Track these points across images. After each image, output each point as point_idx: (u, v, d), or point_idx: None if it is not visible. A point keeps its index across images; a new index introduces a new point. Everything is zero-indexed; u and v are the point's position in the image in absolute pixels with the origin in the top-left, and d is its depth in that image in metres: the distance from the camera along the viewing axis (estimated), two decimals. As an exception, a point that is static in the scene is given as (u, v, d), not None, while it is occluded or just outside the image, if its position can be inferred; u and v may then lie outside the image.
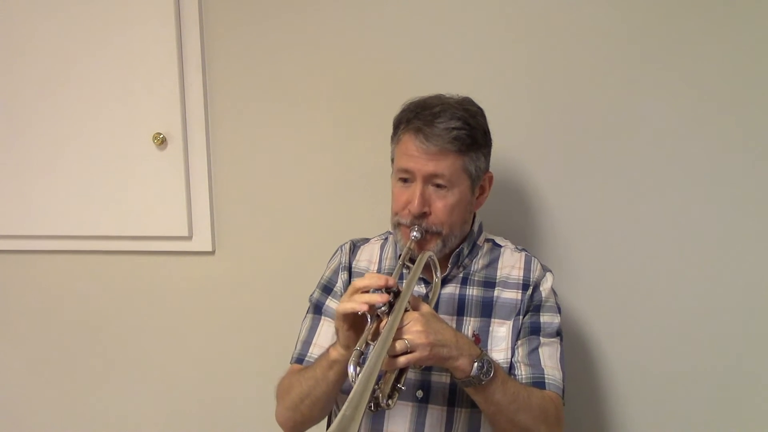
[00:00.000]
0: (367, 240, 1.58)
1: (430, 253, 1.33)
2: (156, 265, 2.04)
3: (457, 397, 1.36)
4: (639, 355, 1.77)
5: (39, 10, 1.95)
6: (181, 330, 2.06)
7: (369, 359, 1.03)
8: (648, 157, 1.70)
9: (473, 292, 1.43)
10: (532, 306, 1.41)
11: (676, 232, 1.71)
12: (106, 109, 1.96)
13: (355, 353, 1.08)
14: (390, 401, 1.12)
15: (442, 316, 1.38)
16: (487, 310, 1.41)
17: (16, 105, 2.01)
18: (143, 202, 1.98)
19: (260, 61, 1.89)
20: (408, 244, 1.35)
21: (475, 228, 1.49)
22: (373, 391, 1.04)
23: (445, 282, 1.44)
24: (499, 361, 1.35)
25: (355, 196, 1.87)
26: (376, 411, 1.10)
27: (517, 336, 1.39)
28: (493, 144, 1.43)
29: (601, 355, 1.79)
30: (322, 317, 1.48)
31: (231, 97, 1.92)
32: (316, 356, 1.40)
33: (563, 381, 1.38)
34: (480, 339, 1.39)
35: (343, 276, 1.50)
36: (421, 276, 1.39)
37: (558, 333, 1.41)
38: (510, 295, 1.42)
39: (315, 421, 1.39)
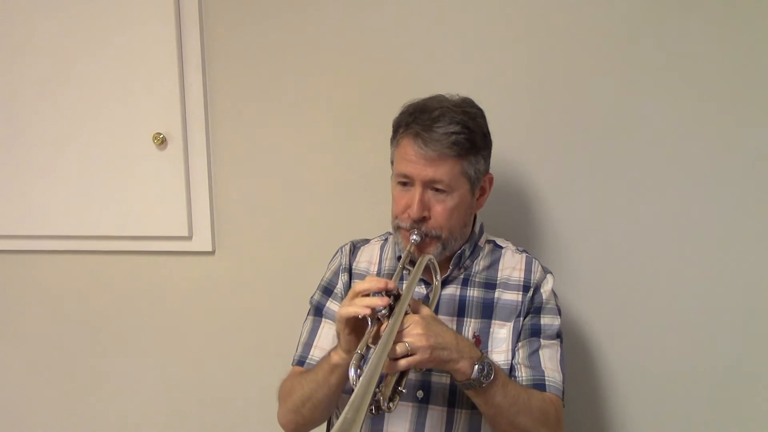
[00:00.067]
0: (367, 241, 1.58)
1: (430, 257, 1.33)
2: (156, 265, 2.04)
3: (457, 397, 1.36)
4: (639, 355, 1.77)
5: (39, 10, 1.95)
6: (181, 330, 2.06)
7: (370, 362, 1.03)
8: (648, 157, 1.70)
9: (474, 293, 1.43)
10: (533, 308, 1.41)
11: (676, 232, 1.71)
12: (106, 109, 1.95)
13: (356, 356, 1.08)
14: (391, 404, 1.13)
15: (442, 316, 1.39)
16: (487, 311, 1.41)
17: (16, 105, 2.01)
18: (143, 202, 1.98)
19: (260, 61, 1.88)
20: (408, 248, 1.35)
21: (476, 229, 1.49)
22: (374, 394, 1.04)
23: (445, 283, 1.44)
24: (500, 362, 1.35)
25: (355, 196, 1.87)
26: (377, 414, 1.10)
27: (517, 338, 1.39)
28: (493, 144, 1.43)
29: (601, 355, 1.79)
30: (323, 319, 1.48)
31: (231, 97, 1.92)
32: (317, 358, 1.40)
33: (563, 383, 1.38)
34: (480, 340, 1.39)
35: (343, 277, 1.50)
36: (421, 277, 1.39)
37: (558, 335, 1.42)
38: (510, 297, 1.42)
39: (317, 423, 1.39)
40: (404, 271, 1.36)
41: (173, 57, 1.89)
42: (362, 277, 1.49)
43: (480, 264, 1.47)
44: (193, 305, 2.04)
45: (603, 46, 1.69)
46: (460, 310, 1.42)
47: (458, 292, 1.43)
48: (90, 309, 2.11)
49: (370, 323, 1.15)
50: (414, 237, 1.34)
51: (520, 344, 1.39)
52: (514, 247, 1.51)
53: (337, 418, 1.43)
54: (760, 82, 1.62)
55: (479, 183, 1.41)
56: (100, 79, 1.94)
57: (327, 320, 1.47)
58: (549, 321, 1.41)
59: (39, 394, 2.18)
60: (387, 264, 1.50)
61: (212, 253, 2.00)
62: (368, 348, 1.12)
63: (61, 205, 2.03)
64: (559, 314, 1.44)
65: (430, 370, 1.37)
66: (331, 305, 1.47)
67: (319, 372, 1.28)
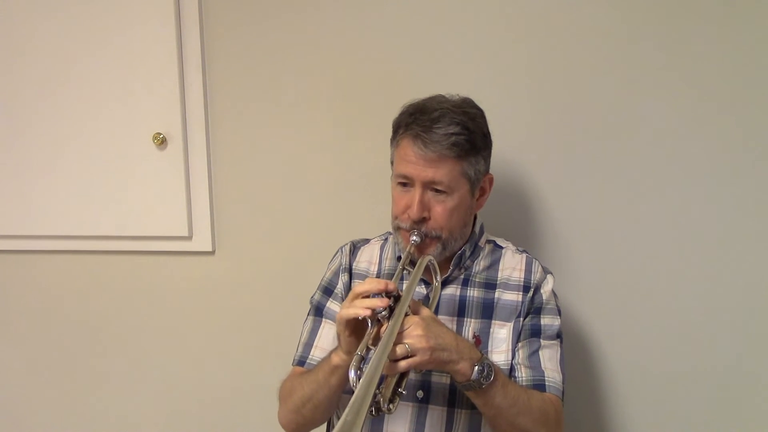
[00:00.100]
0: (367, 241, 1.58)
1: (430, 258, 1.34)
2: (156, 265, 2.04)
3: (457, 397, 1.36)
4: (639, 355, 1.77)
5: (39, 10, 1.95)
6: (181, 330, 2.06)
7: (370, 364, 1.03)
8: (648, 157, 1.70)
9: (474, 293, 1.43)
10: (533, 308, 1.41)
11: (676, 232, 1.71)
12: (106, 109, 1.95)
13: (356, 358, 1.08)
14: (391, 406, 1.13)
15: (442, 316, 1.39)
16: (487, 311, 1.41)
17: (16, 105, 2.01)
18: (143, 202, 1.98)
19: (260, 61, 1.88)
20: (408, 248, 1.36)
21: (476, 229, 1.49)
22: (374, 395, 1.04)
23: (446, 283, 1.44)
24: (500, 362, 1.35)
25: (355, 196, 1.87)
26: (377, 416, 1.11)
27: (517, 338, 1.39)
28: (493, 144, 1.43)
29: (601, 356, 1.79)
30: (323, 319, 1.48)
31: (231, 97, 1.92)
32: (317, 358, 1.40)
33: (563, 383, 1.38)
34: (480, 340, 1.39)
35: (343, 277, 1.50)
36: (421, 277, 1.39)
37: (558, 335, 1.42)
38: (511, 297, 1.42)
39: (317, 423, 1.40)
40: (404, 272, 1.36)
41: (173, 57, 1.89)
42: (362, 277, 1.49)
43: (480, 264, 1.47)
44: (193, 305, 2.04)
45: (603, 46, 1.69)
46: (461, 310, 1.42)
47: (458, 293, 1.43)
48: (90, 309, 2.11)
49: (370, 325, 1.15)
50: (414, 238, 1.35)
51: (520, 344, 1.39)
52: (514, 248, 1.51)
53: (338, 418, 1.44)
54: (760, 82, 1.62)
55: (479, 183, 1.41)
56: (100, 79, 1.94)
57: (327, 320, 1.47)
58: (549, 321, 1.41)
59: (39, 394, 2.18)
60: (387, 264, 1.50)
61: (212, 253, 2.00)
62: (368, 350, 1.12)
63: (61, 205, 2.03)
64: (559, 314, 1.44)
65: (430, 370, 1.37)
66: (332, 305, 1.47)
67: (320, 373, 1.28)
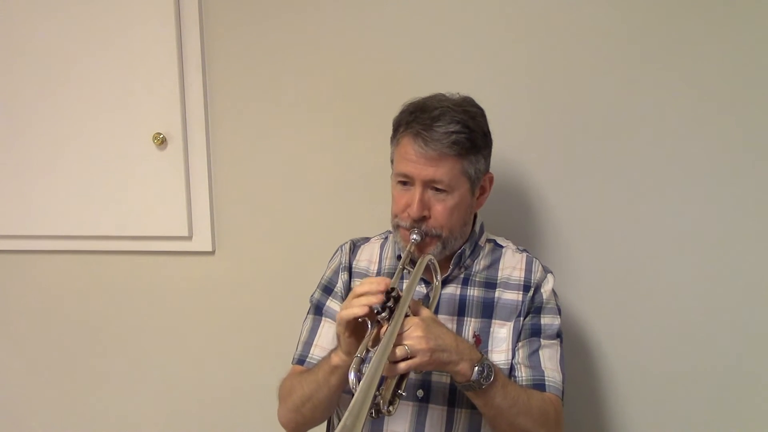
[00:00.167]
0: (367, 239, 1.58)
1: (430, 257, 1.33)
2: (156, 265, 2.04)
3: (457, 397, 1.36)
4: (639, 355, 1.77)
5: (39, 10, 1.95)
6: (181, 330, 2.06)
7: (370, 366, 1.03)
8: (648, 157, 1.70)
9: (474, 292, 1.43)
10: (533, 308, 1.41)
11: (676, 232, 1.71)
12: (106, 109, 1.95)
13: (355, 360, 1.08)
14: (391, 407, 1.13)
15: (442, 316, 1.39)
16: (488, 310, 1.41)
17: (16, 105, 2.01)
18: (143, 202, 1.98)
19: (260, 61, 1.88)
20: (408, 247, 1.35)
21: (477, 228, 1.48)
22: (374, 397, 1.04)
23: (446, 282, 1.44)
24: (500, 362, 1.35)
25: (355, 196, 1.87)
26: (377, 417, 1.11)
27: (517, 337, 1.39)
28: (493, 144, 1.43)
29: (601, 355, 1.79)
30: (323, 318, 1.48)
31: (231, 97, 1.92)
32: (317, 357, 1.40)
33: (563, 383, 1.38)
34: (480, 340, 1.39)
35: (343, 276, 1.50)
36: (421, 276, 1.39)
37: (558, 335, 1.42)
38: (511, 297, 1.42)
39: (317, 422, 1.40)
40: (404, 271, 1.36)
41: (173, 57, 1.89)
42: (362, 275, 1.49)
43: (480, 263, 1.47)
44: (193, 305, 2.04)
45: (603, 46, 1.69)
46: (461, 309, 1.42)
47: (458, 292, 1.43)
48: (90, 309, 2.11)
49: (369, 326, 1.15)
50: (414, 236, 1.34)
51: (520, 344, 1.39)
52: (514, 247, 1.51)
53: (338, 416, 1.44)
54: (760, 82, 1.62)
55: (479, 182, 1.40)
56: (100, 79, 1.94)
57: (327, 319, 1.47)
58: (549, 321, 1.41)
59: (39, 394, 2.18)
60: (387, 263, 1.50)
61: (212, 253, 2.00)
62: (368, 351, 1.11)
63: (61, 205, 2.03)
64: (559, 314, 1.44)
65: (430, 370, 1.37)
66: (331, 304, 1.47)
67: (320, 373, 1.28)
